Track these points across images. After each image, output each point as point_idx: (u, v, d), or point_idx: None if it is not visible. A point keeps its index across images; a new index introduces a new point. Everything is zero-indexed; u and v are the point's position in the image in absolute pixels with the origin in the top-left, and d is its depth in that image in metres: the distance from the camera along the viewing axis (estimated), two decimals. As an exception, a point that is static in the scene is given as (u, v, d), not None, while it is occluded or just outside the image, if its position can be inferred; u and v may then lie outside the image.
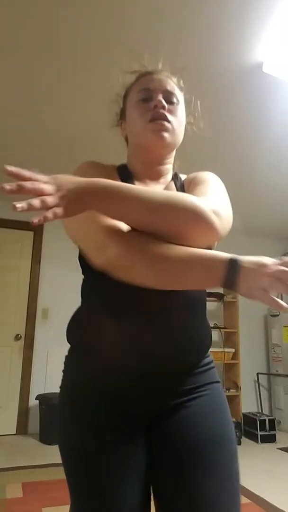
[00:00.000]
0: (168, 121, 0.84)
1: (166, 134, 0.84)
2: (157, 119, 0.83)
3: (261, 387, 4.55)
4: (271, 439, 3.72)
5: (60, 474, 2.71)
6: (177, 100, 0.88)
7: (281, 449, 3.52)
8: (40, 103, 2.31)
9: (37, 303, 3.96)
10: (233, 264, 0.63)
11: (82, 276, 0.85)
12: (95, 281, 0.79)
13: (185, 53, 1.88)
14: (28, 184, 0.60)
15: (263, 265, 0.63)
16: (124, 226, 0.70)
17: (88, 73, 2.04)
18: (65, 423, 0.78)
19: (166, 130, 0.84)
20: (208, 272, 0.65)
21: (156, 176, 0.89)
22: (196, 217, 0.67)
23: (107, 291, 0.78)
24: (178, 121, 0.87)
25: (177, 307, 0.78)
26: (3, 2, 1.61)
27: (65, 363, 0.87)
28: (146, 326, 0.75)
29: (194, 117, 0.96)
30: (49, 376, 3.86)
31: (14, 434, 3.67)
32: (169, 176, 0.93)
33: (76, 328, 0.84)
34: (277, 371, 4.43)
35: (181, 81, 0.94)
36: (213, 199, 0.75)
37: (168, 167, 0.92)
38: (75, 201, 0.63)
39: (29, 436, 3.62)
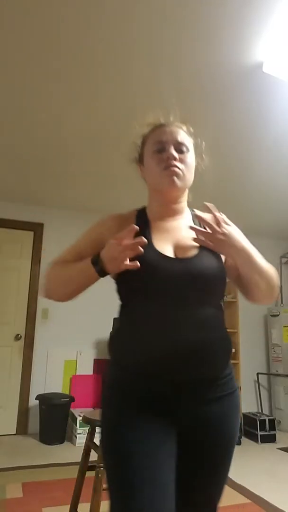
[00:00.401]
0: (179, 169, 1.01)
1: (177, 181, 1.01)
2: (170, 168, 1.01)
3: (261, 387, 4.55)
4: (271, 439, 3.72)
5: (60, 474, 2.71)
6: (187, 148, 1.04)
7: (281, 449, 3.53)
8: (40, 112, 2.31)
9: (37, 303, 3.96)
10: (95, 261, 0.94)
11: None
12: (129, 308, 1.01)
13: (185, 53, 1.88)
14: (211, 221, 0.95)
15: (108, 247, 0.91)
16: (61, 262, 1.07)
17: (87, 74, 2.04)
18: (106, 412, 0.94)
19: (177, 176, 1.01)
20: (87, 274, 0.96)
21: (172, 213, 1.07)
22: (274, 294, 1.02)
23: (137, 314, 0.97)
24: (187, 167, 1.04)
25: (196, 323, 0.92)
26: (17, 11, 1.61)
27: (107, 369, 1.02)
28: (168, 341, 0.90)
29: (201, 158, 1.13)
30: (49, 376, 3.86)
31: (14, 434, 3.67)
32: (186, 213, 1.11)
33: (114, 344, 1.01)
34: (277, 371, 4.43)
35: (191, 128, 1.10)
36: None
37: (183, 205, 1.10)
38: (225, 246, 0.95)
39: (29, 436, 3.62)
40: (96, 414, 1.68)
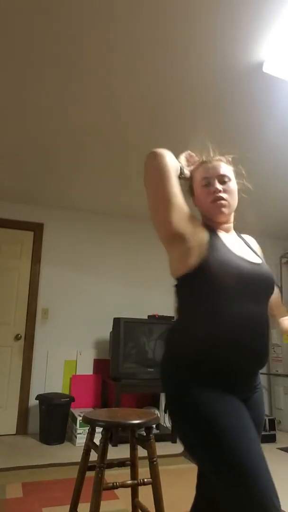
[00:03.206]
0: (224, 199, 1.18)
1: (224, 209, 1.18)
2: (217, 201, 1.18)
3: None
4: (271, 439, 3.72)
5: (60, 474, 2.71)
6: (228, 178, 1.21)
7: (281, 449, 3.52)
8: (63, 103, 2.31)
9: (37, 303, 3.96)
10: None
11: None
12: (208, 304, 1.08)
13: (185, 53, 1.88)
14: None
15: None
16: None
17: (88, 74, 2.04)
18: (202, 402, 1.02)
19: (224, 206, 1.18)
20: None
21: (226, 230, 1.24)
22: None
23: (218, 309, 1.08)
24: (231, 194, 1.21)
25: (265, 320, 1.11)
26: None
27: (180, 366, 1.08)
28: (248, 345, 1.06)
29: (242, 179, 1.31)
30: (49, 376, 3.86)
31: (14, 434, 3.67)
32: (232, 231, 1.27)
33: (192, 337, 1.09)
34: (277, 371, 4.43)
35: (229, 158, 1.29)
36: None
37: (231, 225, 1.27)
38: None
39: (29, 436, 3.62)
40: (96, 414, 1.68)
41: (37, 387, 3.81)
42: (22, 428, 3.69)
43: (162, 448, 3.36)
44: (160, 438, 3.58)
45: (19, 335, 3.87)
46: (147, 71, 2.01)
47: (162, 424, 3.96)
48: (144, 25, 1.72)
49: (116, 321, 3.66)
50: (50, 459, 3.01)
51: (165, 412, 1.09)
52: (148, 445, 1.64)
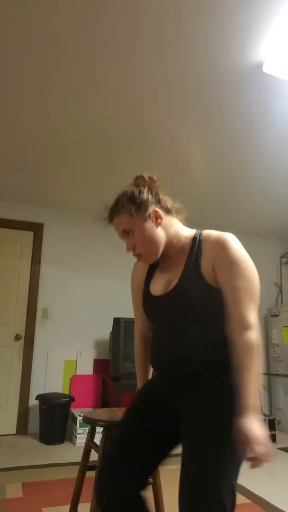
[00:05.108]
0: (137, 252, 1.17)
1: (143, 260, 1.19)
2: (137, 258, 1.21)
3: (261, 387, 4.55)
4: (271, 439, 3.72)
5: (60, 474, 2.71)
6: (130, 227, 1.14)
7: (281, 449, 3.52)
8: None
9: (37, 303, 3.96)
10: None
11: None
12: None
13: (185, 53, 1.88)
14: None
15: None
16: None
17: (85, 75, 2.04)
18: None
19: (141, 259, 1.18)
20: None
21: (171, 255, 1.21)
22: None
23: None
24: (141, 243, 1.14)
25: (174, 347, 1.19)
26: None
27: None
28: (159, 349, 1.22)
29: (151, 209, 1.16)
30: (49, 376, 3.86)
31: (14, 434, 3.67)
32: (187, 248, 1.18)
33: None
34: (277, 371, 4.43)
35: (121, 207, 1.16)
36: (246, 311, 1.04)
37: (174, 251, 1.20)
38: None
39: (29, 436, 3.62)
40: (96, 414, 1.68)
41: (37, 387, 3.81)
42: (22, 428, 3.69)
43: (162, 448, 3.35)
44: (160, 438, 3.58)
45: (19, 335, 3.87)
46: (143, 71, 2.01)
47: (162, 424, 3.95)
48: (142, 26, 1.72)
49: (116, 321, 3.66)
50: (50, 459, 3.01)
51: None
52: (148, 445, 1.63)
